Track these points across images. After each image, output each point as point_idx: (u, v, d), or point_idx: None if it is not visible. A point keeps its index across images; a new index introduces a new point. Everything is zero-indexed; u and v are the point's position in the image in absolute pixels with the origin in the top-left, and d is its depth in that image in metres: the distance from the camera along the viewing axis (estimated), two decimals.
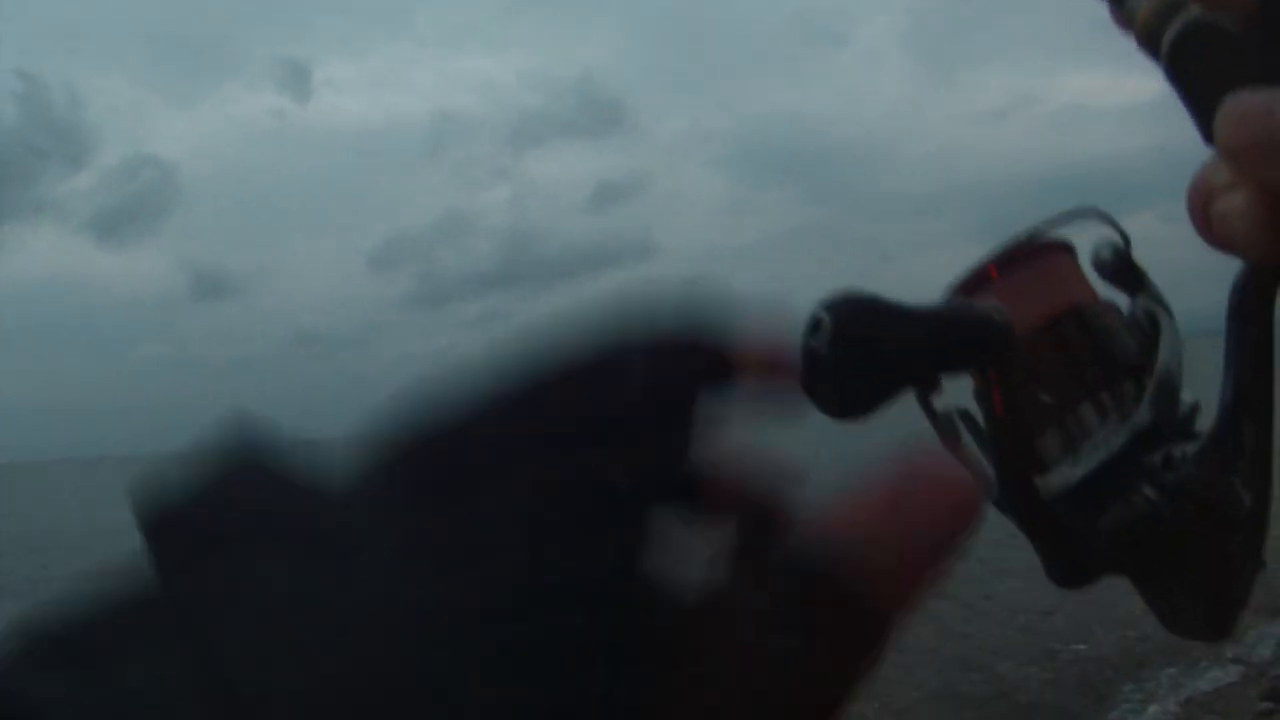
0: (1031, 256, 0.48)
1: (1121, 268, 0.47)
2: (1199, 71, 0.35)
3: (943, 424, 0.42)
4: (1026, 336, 0.45)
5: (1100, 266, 0.48)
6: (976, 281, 0.47)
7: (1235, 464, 0.42)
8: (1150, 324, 0.46)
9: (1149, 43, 0.37)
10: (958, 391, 0.42)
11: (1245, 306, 0.40)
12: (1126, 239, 0.48)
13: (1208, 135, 0.33)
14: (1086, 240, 0.50)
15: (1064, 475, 0.44)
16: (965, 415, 0.46)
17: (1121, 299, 0.48)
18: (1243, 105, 0.31)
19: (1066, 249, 0.49)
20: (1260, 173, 0.30)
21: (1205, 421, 0.44)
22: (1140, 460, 0.43)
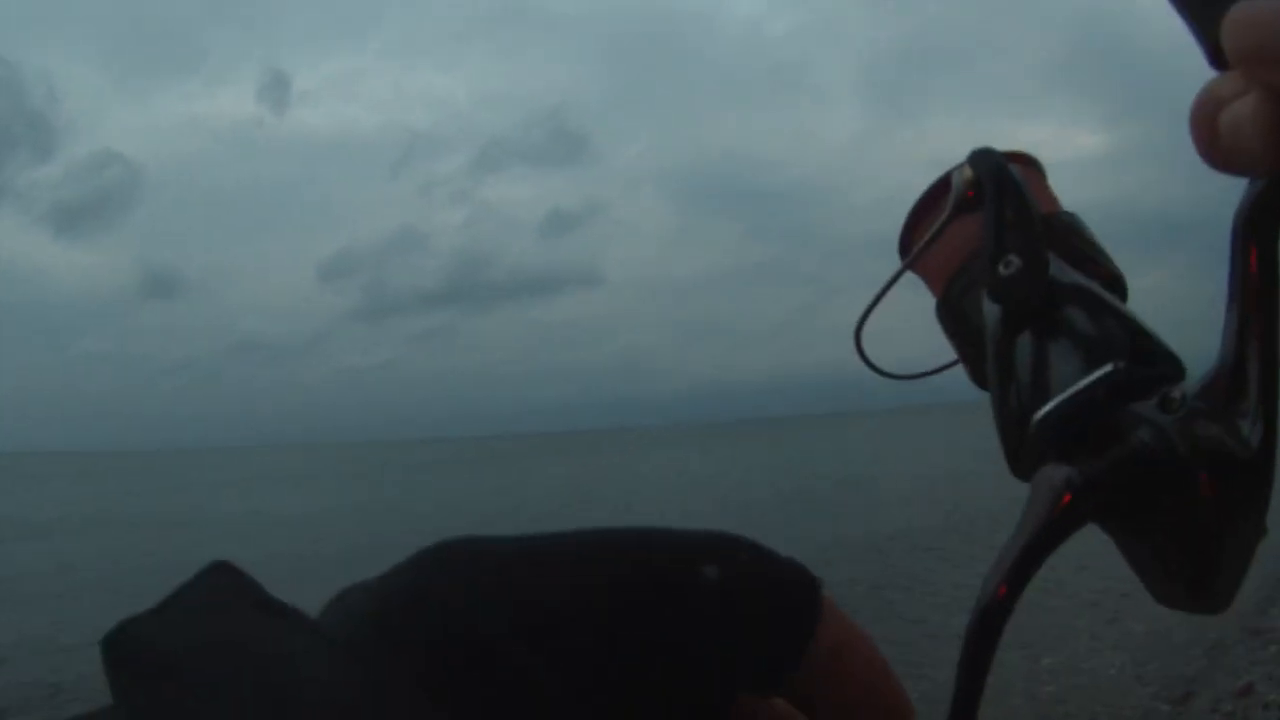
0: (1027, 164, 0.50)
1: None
2: None
3: None
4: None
5: None
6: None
7: (1240, 401, 0.37)
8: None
9: None
10: None
11: (1252, 227, 0.36)
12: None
13: (1213, 52, 0.32)
14: None
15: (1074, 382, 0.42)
16: None
17: None
18: (1253, 9, 0.30)
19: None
20: (1271, 77, 0.29)
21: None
22: (1133, 403, 0.40)
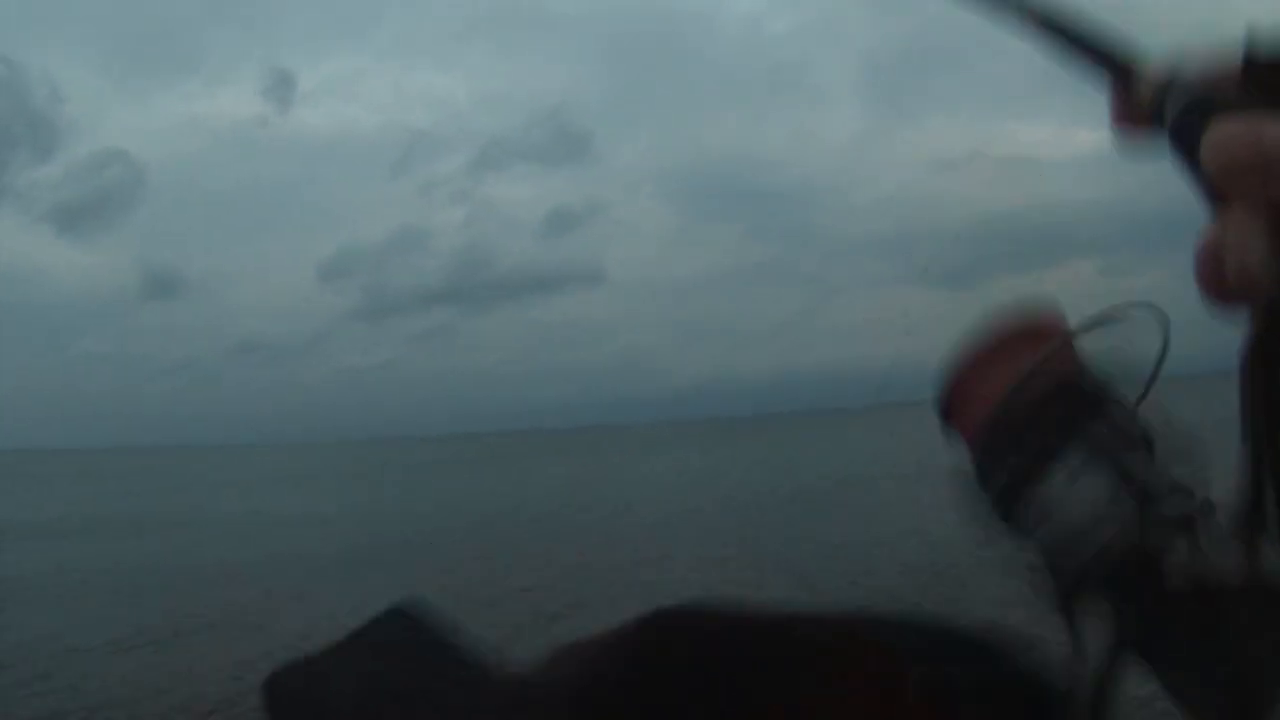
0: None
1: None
2: (1199, 135, 0.35)
3: None
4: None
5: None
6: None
7: (1262, 531, 0.39)
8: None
9: (1153, 120, 0.39)
10: None
11: (1259, 354, 0.37)
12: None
13: (1204, 187, 0.34)
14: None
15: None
16: None
17: None
18: (1229, 128, 0.32)
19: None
20: (1257, 190, 0.31)
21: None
22: (1162, 538, 0.41)
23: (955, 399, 0.53)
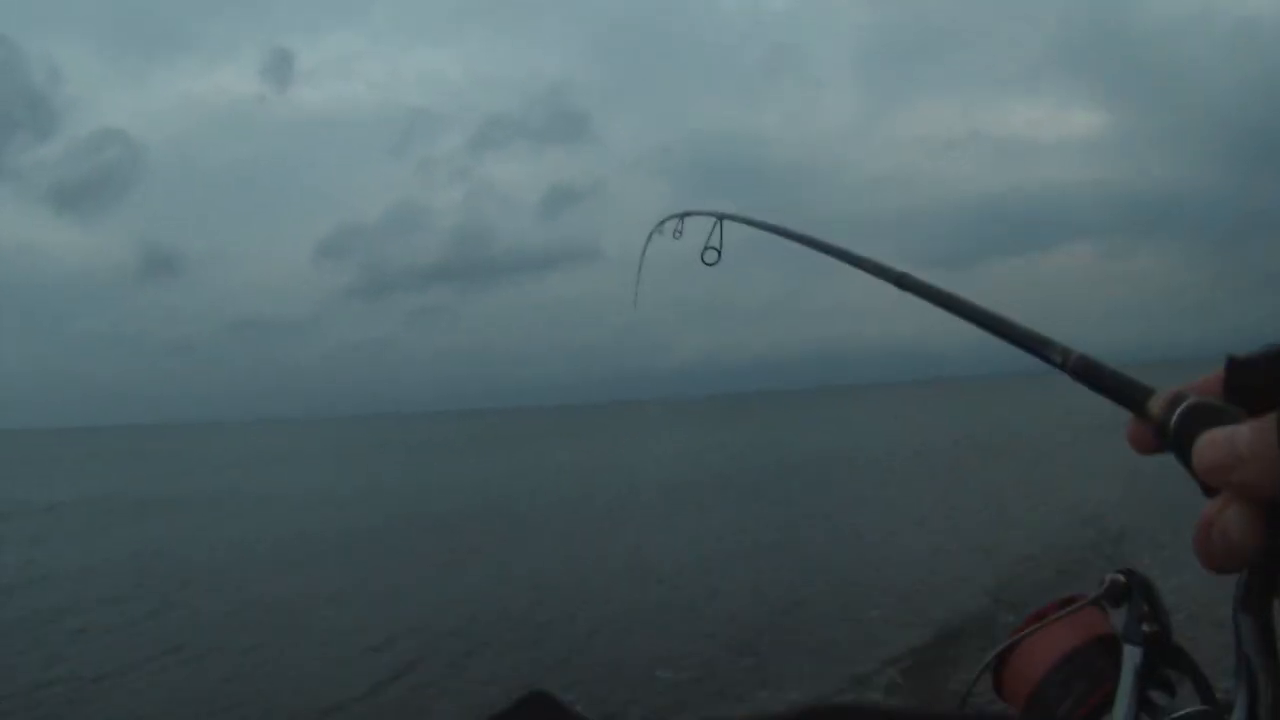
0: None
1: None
2: (1191, 442, 0.46)
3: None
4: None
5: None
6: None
7: None
8: None
9: (1161, 433, 0.49)
10: None
11: (1246, 606, 0.48)
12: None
13: (1200, 484, 0.45)
14: None
15: None
16: None
17: None
18: (1210, 435, 0.44)
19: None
20: (1231, 480, 0.43)
21: None
22: None
23: (1008, 666, 0.74)
